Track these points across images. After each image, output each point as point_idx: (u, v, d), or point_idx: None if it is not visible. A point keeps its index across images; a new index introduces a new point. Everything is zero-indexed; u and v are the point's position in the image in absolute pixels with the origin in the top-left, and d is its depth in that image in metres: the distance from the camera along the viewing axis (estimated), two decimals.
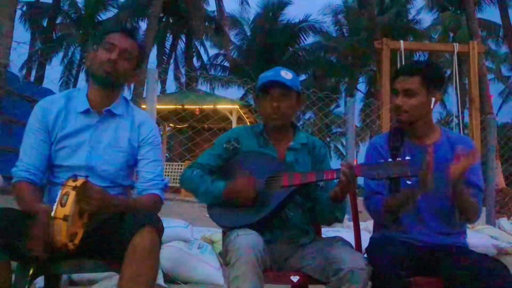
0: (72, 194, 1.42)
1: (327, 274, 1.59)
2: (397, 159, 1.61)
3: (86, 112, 1.78)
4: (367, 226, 3.89)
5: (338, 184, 1.70)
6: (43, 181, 1.74)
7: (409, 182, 1.79)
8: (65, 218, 1.39)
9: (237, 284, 1.50)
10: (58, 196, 1.42)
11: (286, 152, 1.90)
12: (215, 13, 22.06)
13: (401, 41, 7.51)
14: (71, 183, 1.45)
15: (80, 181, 1.46)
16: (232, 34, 22.88)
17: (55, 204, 1.40)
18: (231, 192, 1.74)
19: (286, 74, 1.85)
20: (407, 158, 1.58)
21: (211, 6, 21.04)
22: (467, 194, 1.75)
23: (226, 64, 22.84)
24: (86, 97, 1.79)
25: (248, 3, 22.33)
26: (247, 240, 1.56)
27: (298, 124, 2.03)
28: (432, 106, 1.87)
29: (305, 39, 22.81)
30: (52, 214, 1.39)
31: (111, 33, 1.80)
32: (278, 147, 1.91)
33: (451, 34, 20.16)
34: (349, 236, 1.99)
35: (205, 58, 23.37)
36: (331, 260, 1.60)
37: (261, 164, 1.82)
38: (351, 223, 2.11)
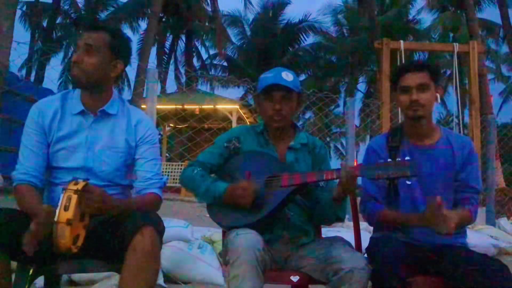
0: (74, 197, 1.42)
1: (327, 274, 1.60)
2: (397, 159, 1.61)
3: (81, 113, 1.77)
4: (367, 226, 3.87)
5: (338, 184, 1.70)
6: (42, 182, 1.73)
7: (408, 183, 1.79)
8: (68, 222, 1.39)
9: (237, 283, 1.50)
10: (60, 200, 1.41)
11: (286, 152, 1.91)
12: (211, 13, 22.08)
13: (401, 41, 7.52)
14: (72, 186, 1.44)
15: (81, 184, 1.46)
16: (232, 34, 22.88)
17: (58, 208, 1.40)
18: (230, 196, 1.75)
19: (287, 76, 1.85)
20: (407, 158, 1.58)
21: (211, 6, 21.01)
22: (462, 216, 1.75)
23: (226, 64, 22.83)
24: (80, 99, 1.78)
25: (251, 3, 22.31)
26: (247, 240, 1.57)
27: (298, 124, 2.03)
28: (437, 102, 1.89)
29: (305, 39, 22.81)
30: (55, 218, 1.39)
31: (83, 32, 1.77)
32: (279, 147, 1.92)
33: (451, 34, 20.15)
34: (349, 236, 1.99)
35: (205, 58, 23.40)
36: (331, 260, 1.60)
37: (261, 164, 1.82)
38: (351, 223, 2.11)
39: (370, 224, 1.96)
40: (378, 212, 1.85)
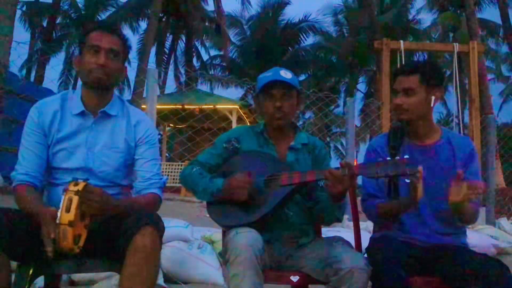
0: (75, 199, 1.42)
1: (327, 274, 1.60)
2: (396, 158, 1.61)
3: (81, 114, 1.77)
4: (367, 226, 3.90)
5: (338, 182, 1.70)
6: (42, 183, 1.74)
7: (407, 181, 1.79)
8: (70, 224, 1.40)
9: (236, 281, 1.51)
10: (62, 202, 1.42)
11: (287, 152, 1.91)
12: (215, 13, 22.10)
13: (401, 41, 7.50)
14: (73, 187, 1.45)
15: (81, 185, 1.46)
16: (231, 34, 22.87)
17: (59, 210, 1.41)
18: (226, 189, 1.75)
19: (286, 74, 1.86)
20: (405, 156, 1.58)
21: (211, 6, 21.07)
22: (467, 208, 1.73)
23: (226, 64, 22.82)
24: (81, 99, 1.78)
25: (249, 3, 22.32)
26: (246, 238, 1.57)
27: (298, 124, 2.03)
28: (432, 105, 1.87)
29: (305, 39, 22.79)
30: (57, 220, 1.40)
31: (91, 33, 1.74)
32: (279, 147, 1.92)
33: (451, 34, 20.15)
34: (349, 236, 1.99)
35: (205, 58, 23.40)
36: (331, 260, 1.60)
37: (261, 164, 1.82)
38: (351, 223, 2.11)
39: (372, 219, 1.95)
40: (377, 205, 1.85)
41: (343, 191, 1.69)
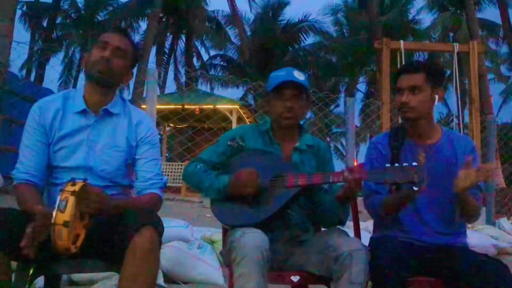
0: (71, 199, 1.41)
1: (328, 264, 1.59)
2: (404, 164, 1.60)
3: (83, 112, 1.77)
4: (367, 226, 3.89)
5: (345, 187, 1.70)
6: (43, 182, 1.73)
7: (415, 188, 1.79)
8: (65, 224, 1.38)
9: (242, 282, 1.50)
10: (57, 202, 1.41)
11: (292, 153, 1.90)
12: (215, 13, 22.16)
13: (401, 41, 7.50)
14: (69, 187, 1.44)
15: (78, 185, 1.45)
16: (232, 34, 22.91)
17: (55, 210, 1.40)
18: (234, 185, 1.74)
19: (299, 75, 1.85)
20: (414, 164, 1.57)
21: (211, 6, 21.14)
22: (471, 199, 1.74)
23: (226, 64, 22.82)
24: (83, 97, 1.78)
25: (255, 2, 22.41)
26: (254, 239, 1.56)
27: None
28: (435, 104, 1.87)
29: (305, 39, 22.79)
30: (52, 220, 1.38)
31: (105, 32, 1.80)
32: (284, 147, 1.91)
33: (451, 34, 20.14)
34: None
35: (205, 58, 23.41)
36: (329, 249, 1.60)
37: (266, 163, 1.81)
38: (351, 223, 2.11)
39: (375, 216, 1.94)
40: (381, 201, 1.84)
41: (354, 194, 1.71)
